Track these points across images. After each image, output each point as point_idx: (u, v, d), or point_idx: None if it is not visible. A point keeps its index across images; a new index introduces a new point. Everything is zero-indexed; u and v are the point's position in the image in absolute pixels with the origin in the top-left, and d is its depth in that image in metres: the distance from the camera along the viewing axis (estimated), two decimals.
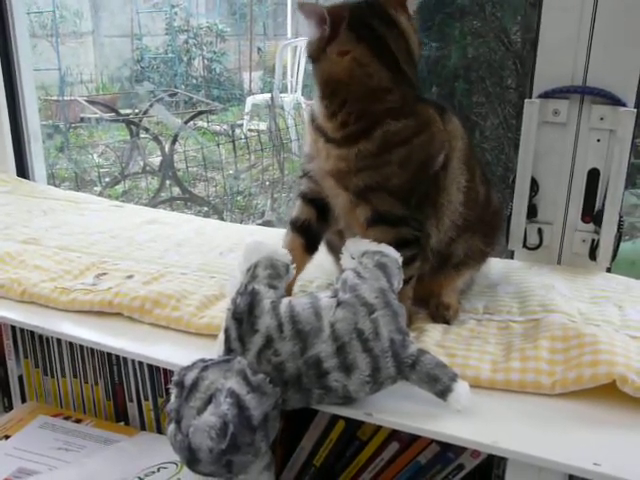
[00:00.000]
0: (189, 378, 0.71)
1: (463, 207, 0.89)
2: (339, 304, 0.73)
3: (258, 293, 0.75)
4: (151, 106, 4.54)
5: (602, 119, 1.02)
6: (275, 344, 0.72)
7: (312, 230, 0.92)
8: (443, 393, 0.71)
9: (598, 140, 1.04)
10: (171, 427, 0.71)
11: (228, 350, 0.75)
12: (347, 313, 0.72)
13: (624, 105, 1.00)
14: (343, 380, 0.71)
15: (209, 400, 0.69)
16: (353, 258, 0.81)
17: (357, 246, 0.82)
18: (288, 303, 0.75)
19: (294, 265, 0.82)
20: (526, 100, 1.05)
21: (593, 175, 1.06)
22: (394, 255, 0.80)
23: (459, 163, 0.88)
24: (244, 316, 0.74)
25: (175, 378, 0.73)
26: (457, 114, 0.92)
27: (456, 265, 0.94)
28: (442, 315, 0.91)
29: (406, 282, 0.87)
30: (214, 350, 0.78)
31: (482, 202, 0.95)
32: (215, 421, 0.66)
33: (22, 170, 1.70)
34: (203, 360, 0.74)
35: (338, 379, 0.71)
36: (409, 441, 0.87)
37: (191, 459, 0.68)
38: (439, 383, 0.71)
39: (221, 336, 0.77)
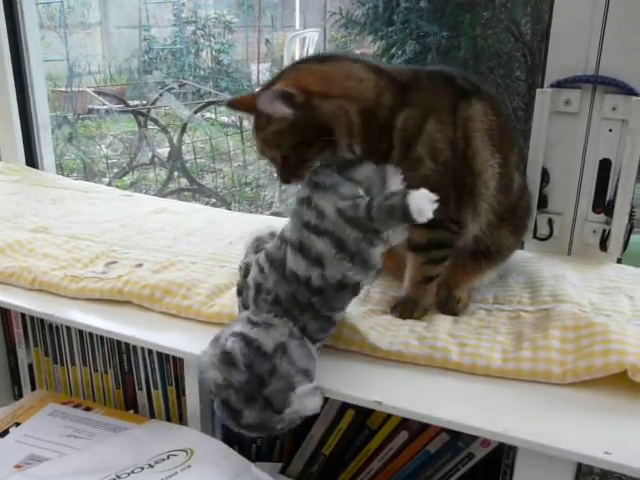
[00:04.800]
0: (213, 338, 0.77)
1: (497, 192, 0.87)
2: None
3: (248, 263, 0.82)
4: (161, 95, 4.53)
5: (614, 109, 1.01)
6: (263, 286, 0.77)
7: None
8: (404, 215, 0.71)
9: (610, 130, 1.03)
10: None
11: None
12: (293, 218, 0.77)
13: (637, 95, 0.99)
14: (322, 272, 0.73)
15: (222, 348, 0.74)
16: None
17: None
18: (264, 251, 0.80)
19: None
20: (538, 90, 1.05)
21: (604, 165, 1.05)
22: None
23: (484, 143, 0.85)
24: (243, 285, 0.81)
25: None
26: (488, 94, 0.89)
27: (478, 260, 0.92)
28: (451, 308, 0.91)
29: (432, 279, 0.88)
30: None
31: (516, 191, 0.92)
32: (214, 352, 0.73)
33: (31, 160, 1.71)
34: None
35: (318, 275, 0.73)
36: (418, 430, 0.88)
37: (234, 415, 0.73)
38: (396, 209, 0.71)
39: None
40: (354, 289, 0.75)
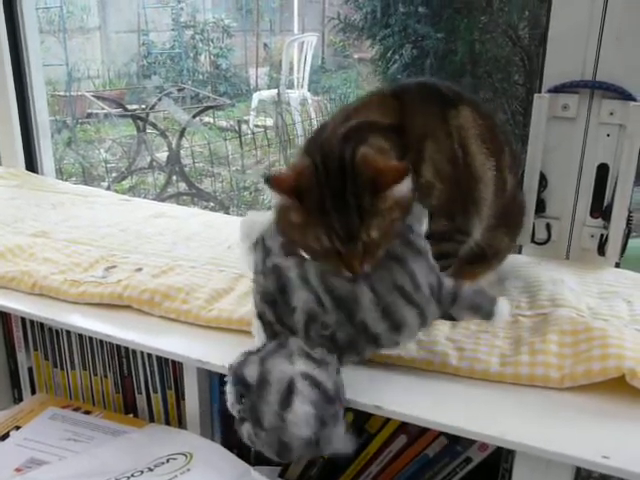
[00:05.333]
0: (251, 374, 0.70)
1: (494, 195, 0.87)
2: None
3: (281, 268, 0.74)
4: (159, 100, 4.54)
5: (612, 114, 1.02)
6: (320, 317, 0.71)
7: None
8: (487, 317, 0.75)
9: (608, 135, 1.03)
10: (247, 427, 0.70)
11: (272, 335, 0.75)
12: (382, 272, 0.71)
13: (634, 100, 1.00)
14: (395, 338, 0.72)
15: (288, 390, 0.68)
16: None
17: None
18: (315, 271, 0.72)
19: None
20: (535, 95, 1.05)
21: (602, 170, 1.05)
22: None
23: (479, 147, 0.85)
24: (276, 296, 0.73)
25: (231, 378, 0.72)
26: (471, 99, 0.90)
27: (475, 263, 0.92)
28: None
29: None
30: (255, 340, 0.78)
31: (509, 192, 0.92)
32: (309, 410, 0.66)
33: (31, 164, 1.71)
34: (251, 352, 0.73)
35: (390, 338, 0.72)
36: (417, 434, 0.88)
37: (282, 450, 0.68)
38: (482, 310, 0.74)
39: (257, 322, 0.76)
40: (399, 345, 0.76)
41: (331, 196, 0.68)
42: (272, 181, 0.69)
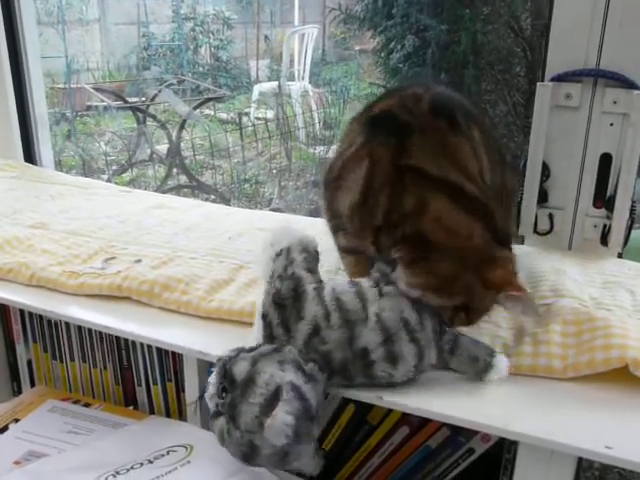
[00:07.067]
0: (240, 371, 0.70)
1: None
2: (382, 294, 0.73)
3: (301, 278, 0.75)
4: (159, 92, 4.52)
5: (615, 103, 1.01)
6: (322, 332, 0.71)
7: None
8: (484, 371, 0.73)
9: (611, 124, 1.02)
10: (221, 421, 0.70)
11: (270, 337, 0.74)
12: (392, 303, 0.72)
13: (638, 88, 0.99)
14: (389, 370, 0.71)
15: (273, 396, 0.67)
16: None
17: None
18: (332, 290, 0.74)
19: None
20: (538, 83, 1.04)
21: (605, 160, 1.04)
22: None
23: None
24: (288, 302, 0.74)
25: (218, 370, 0.72)
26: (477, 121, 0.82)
27: None
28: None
29: None
30: (251, 336, 0.77)
31: (497, 187, 0.91)
32: (290, 420, 0.65)
33: (29, 156, 1.70)
34: (244, 350, 0.73)
35: (384, 369, 0.71)
36: (419, 425, 0.87)
37: (250, 454, 0.68)
38: (479, 363, 0.73)
39: (258, 322, 0.76)
40: (389, 385, 0.74)
41: None
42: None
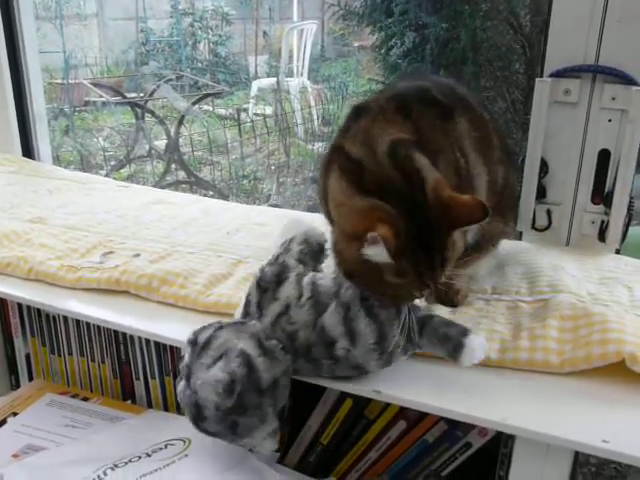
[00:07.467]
0: (203, 337, 0.73)
1: (488, 192, 0.86)
2: None
3: (287, 266, 0.77)
4: (158, 87, 4.52)
5: (614, 99, 1.01)
6: (291, 311, 0.73)
7: None
8: (455, 350, 0.70)
9: (609, 120, 1.02)
10: (181, 384, 0.73)
11: (245, 314, 0.77)
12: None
13: (636, 84, 0.99)
14: (348, 347, 0.71)
15: (219, 358, 0.70)
16: None
17: None
18: (312, 276, 0.76)
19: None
20: (537, 79, 1.04)
21: (604, 156, 1.04)
22: None
23: (477, 157, 0.84)
24: (270, 286, 0.76)
25: (190, 337, 0.75)
26: (466, 104, 0.87)
27: (470, 250, 0.90)
28: (451, 299, 0.90)
29: None
30: (236, 314, 0.81)
31: (501, 185, 0.91)
32: (222, 377, 0.68)
33: (28, 151, 1.70)
34: (219, 322, 0.76)
35: (344, 346, 0.71)
36: (416, 419, 0.87)
37: (197, 415, 0.71)
38: (450, 341, 0.70)
39: (242, 300, 0.79)
40: (360, 372, 0.74)
41: (416, 241, 0.66)
42: (382, 241, 0.63)
